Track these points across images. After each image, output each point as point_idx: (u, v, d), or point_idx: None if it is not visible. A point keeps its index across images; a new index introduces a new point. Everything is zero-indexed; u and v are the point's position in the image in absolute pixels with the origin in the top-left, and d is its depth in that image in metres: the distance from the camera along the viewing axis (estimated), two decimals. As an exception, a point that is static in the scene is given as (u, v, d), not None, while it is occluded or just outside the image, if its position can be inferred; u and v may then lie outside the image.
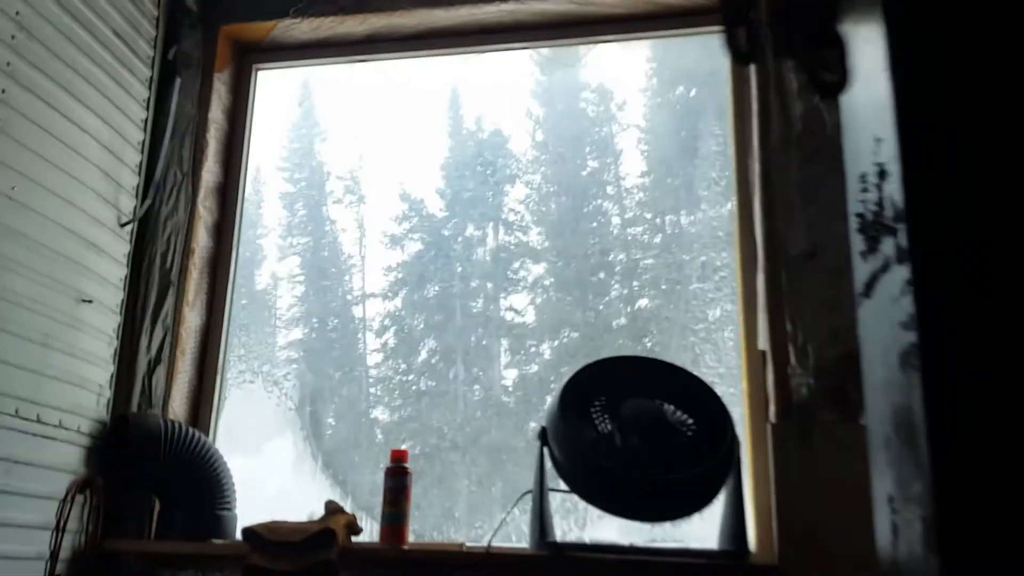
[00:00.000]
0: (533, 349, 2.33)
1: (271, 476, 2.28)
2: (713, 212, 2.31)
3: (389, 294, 2.43)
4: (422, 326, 2.38)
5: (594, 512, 2.13)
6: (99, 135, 2.04)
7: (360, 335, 2.43)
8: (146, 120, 2.25)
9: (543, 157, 2.49)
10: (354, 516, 1.97)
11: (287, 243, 2.57)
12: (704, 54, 2.42)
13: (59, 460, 1.86)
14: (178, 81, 2.29)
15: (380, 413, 2.35)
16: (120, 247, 2.13)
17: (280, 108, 2.63)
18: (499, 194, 2.45)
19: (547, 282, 2.36)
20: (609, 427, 1.79)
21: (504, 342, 2.35)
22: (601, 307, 2.31)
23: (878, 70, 1.41)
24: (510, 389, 2.31)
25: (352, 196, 2.55)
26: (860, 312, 1.49)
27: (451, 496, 2.21)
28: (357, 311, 2.45)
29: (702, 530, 1.91)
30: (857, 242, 1.49)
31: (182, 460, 2.01)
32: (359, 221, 2.52)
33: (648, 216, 2.39)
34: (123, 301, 2.14)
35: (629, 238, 2.36)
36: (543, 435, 1.83)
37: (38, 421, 1.79)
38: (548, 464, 1.83)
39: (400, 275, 2.44)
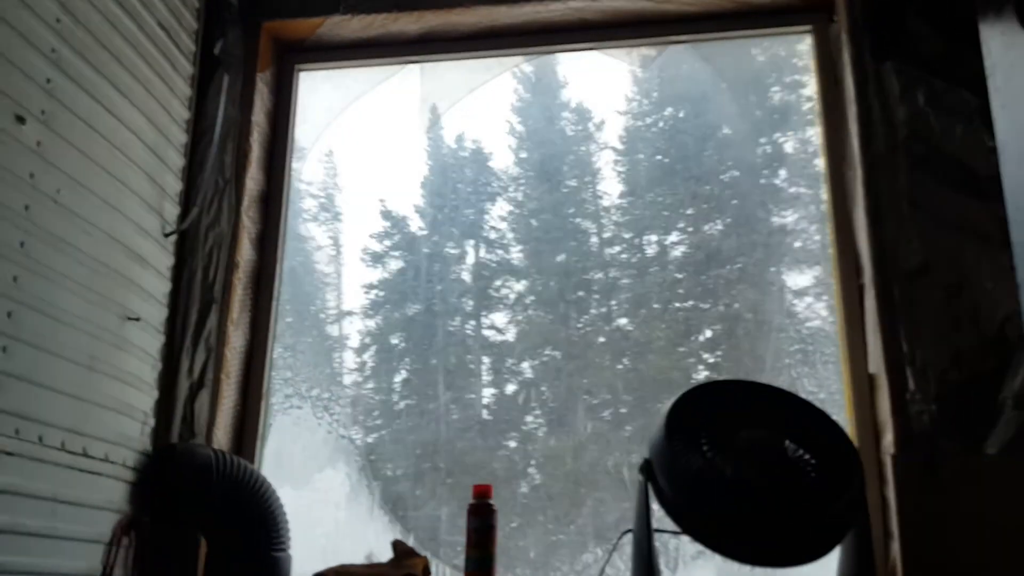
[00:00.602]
0: (514, 367, 2.23)
1: (323, 511, 2.08)
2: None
3: (370, 312, 2.29)
4: (403, 345, 2.25)
5: (686, 552, 1.96)
6: (144, 135, 1.85)
7: (336, 354, 2.27)
8: (189, 121, 2.06)
9: (526, 175, 2.38)
10: (427, 559, 1.79)
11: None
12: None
13: (105, 498, 1.65)
14: (225, 79, 2.10)
15: (356, 433, 2.19)
16: (164, 259, 1.93)
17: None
18: (480, 212, 2.34)
19: (528, 300, 2.25)
20: (722, 460, 1.61)
21: (486, 360, 2.23)
22: (580, 325, 2.21)
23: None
24: (492, 408, 2.20)
25: (327, 214, 2.39)
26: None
27: (433, 520, 2.06)
28: (333, 330, 2.31)
29: (803, 573, 1.74)
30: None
31: (234, 495, 1.81)
32: (335, 238, 2.37)
33: (627, 236, 2.29)
34: (167, 320, 1.94)
35: (608, 257, 2.27)
36: (647, 468, 1.65)
37: (84, 455, 1.59)
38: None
39: (381, 293, 2.30)
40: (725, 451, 1.61)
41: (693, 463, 1.59)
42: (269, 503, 1.86)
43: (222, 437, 2.01)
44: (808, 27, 2.16)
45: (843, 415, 1.90)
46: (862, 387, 1.87)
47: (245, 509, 1.83)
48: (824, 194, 2.08)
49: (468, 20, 2.27)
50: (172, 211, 1.98)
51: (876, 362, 1.81)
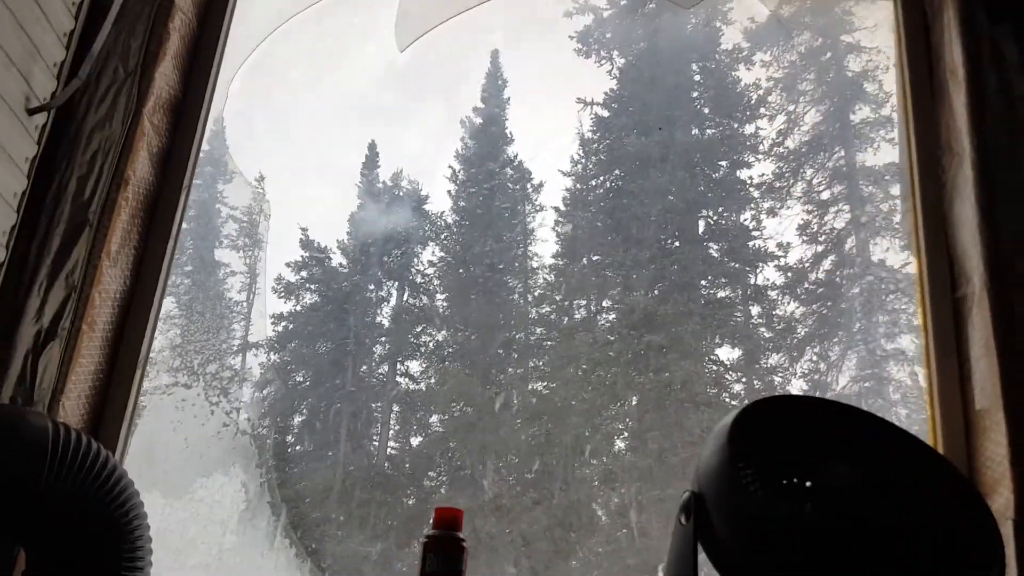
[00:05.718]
0: (423, 419, 1.82)
1: (205, 531, 1.50)
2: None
3: (276, 346, 1.80)
4: (307, 384, 1.78)
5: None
6: (16, -43, 1.29)
7: (237, 387, 1.77)
8: (88, -28, 1.50)
9: (462, 223, 2.00)
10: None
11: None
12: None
13: None
14: (147, -76, 1.56)
15: (243, 472, 1.66)
16: (24, 146, 1.35)
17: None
18: (409, 254, 1.94)
19: (448, 351, 1.85)
20: (815, 503, 1.12)
21: (395, 408, 1.80)
22: (499, 380, 1.83)
23: None
24: (397, 458, 1.76)
25: (248, 240, 1.91)
26: None
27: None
28: (236, 361, 1.81)
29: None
30: None
31: (75, 489, 1.22)
32: (251, 266, 1.89)
33: (557, 298, 1.96)
34: (14, 230, 1.35)
35: (533, 316, 1.91)
36: (696, 503, 1.14)
37: None
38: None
39: (291, 326, 1.83)
40: (818, 491, 1.13)
41: (774, 501, 1.10)
42: (126, 507, 1.27)
43: (72, 408, 1.42)
44: (892, -15, 1.77)
45: (926, 464, 1.44)
46: (955, 429, 1.42)
47: (89, 510, 1.23)
48: (897, 188, 1.66)
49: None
50: (45, 83, 1.40)
51: (987, 395, 1.36)
